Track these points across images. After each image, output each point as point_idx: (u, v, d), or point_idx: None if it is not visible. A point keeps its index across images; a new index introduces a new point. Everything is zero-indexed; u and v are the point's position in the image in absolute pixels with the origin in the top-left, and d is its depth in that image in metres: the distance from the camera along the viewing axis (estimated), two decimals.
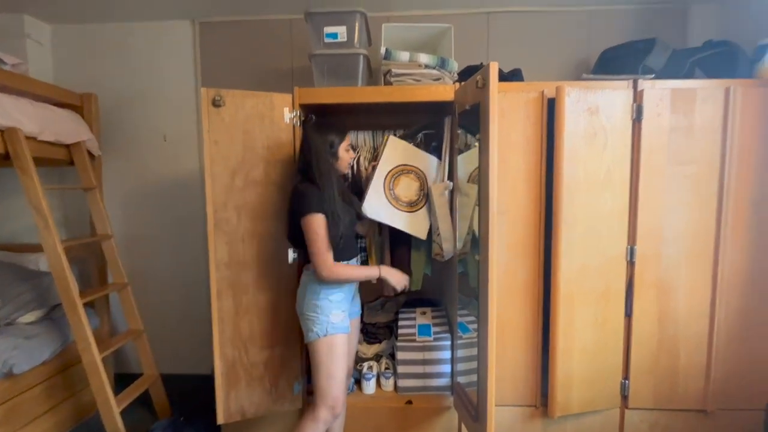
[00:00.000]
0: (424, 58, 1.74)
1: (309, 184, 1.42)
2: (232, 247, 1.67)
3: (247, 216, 1.68)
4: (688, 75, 1.78)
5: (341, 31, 1.72)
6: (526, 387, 1.80)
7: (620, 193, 1.71)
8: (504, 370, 1.79)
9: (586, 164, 1.66)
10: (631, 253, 1.72)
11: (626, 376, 1.79)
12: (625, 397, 1.80)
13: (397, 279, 1.57)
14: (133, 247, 2.49)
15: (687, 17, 2.26)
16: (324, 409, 1.45)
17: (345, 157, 1.53)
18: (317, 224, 1.38)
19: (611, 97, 1.66)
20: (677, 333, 1.76)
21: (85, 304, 1.79)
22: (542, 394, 1.80)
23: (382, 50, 1.74)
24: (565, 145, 1.63)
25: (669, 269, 1.73)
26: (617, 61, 1.93)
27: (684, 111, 1.67)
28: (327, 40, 1.74)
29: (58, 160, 2.01)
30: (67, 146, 2.01)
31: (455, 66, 1.79)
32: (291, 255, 1.73)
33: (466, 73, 1.90)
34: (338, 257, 1.46)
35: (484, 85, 1.31)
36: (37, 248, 2.11)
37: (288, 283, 1.75)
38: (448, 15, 2.28)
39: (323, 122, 1.52)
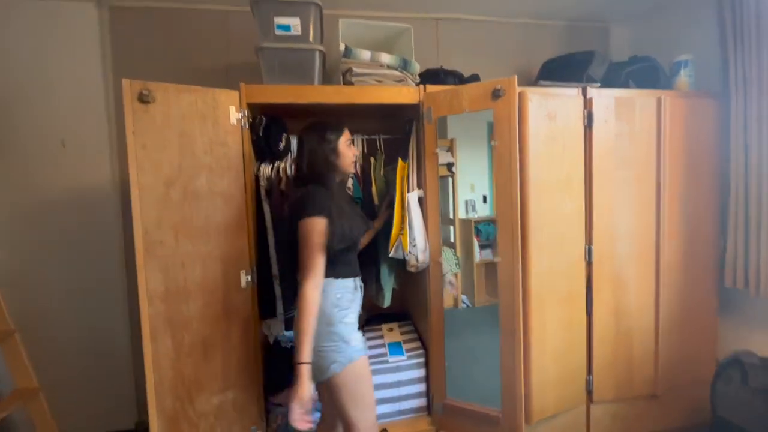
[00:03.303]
0: (386, 57, 1.64)
1: (312, 186, 1.26)
2: (169, 274, 1.37)
3: (188, 235, 1.40)
4: (624, 85, 1.94)
5: (294, 23, 1.54)
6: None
7: (577, 196, 1.77)
8: None
9: (548, 168, 1.69)
10: (589, 253, 1.79)
11: (590, 372, 1.84)
12: (589, 393, 1.85)
13: (295, 416, 1.16)
14: (19, 284, 1.95)
15: (609, 35, 2.50)
16: None
17: (347, 153, 1.35)
18: (316, 228, 1.20)
19: (567, 104, 1.72)
20: (630, 326, 1.87)
21: None
22: None
23: (342, 47, 1.59)
24: (530, 150, 1.63)
25: (621, 266, 1.83)
26: (561, 71, 2.02)
27: (626, 118, 1.80)
28: (278, 32, 1.54)
29: None
30: None
31: (417, 68, 1.71)
32: (244, 278, 1.48)
33: (425, 77, 1.84)
34: (337, 272, 1.29)
35: (505, 94, 1.37)
36: None
37: (241, 313, 1.49)
38: (398, 18, 2.22)
39: (316, 121, 1.35)
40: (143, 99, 1.30)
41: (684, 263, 1.90)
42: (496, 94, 1.44)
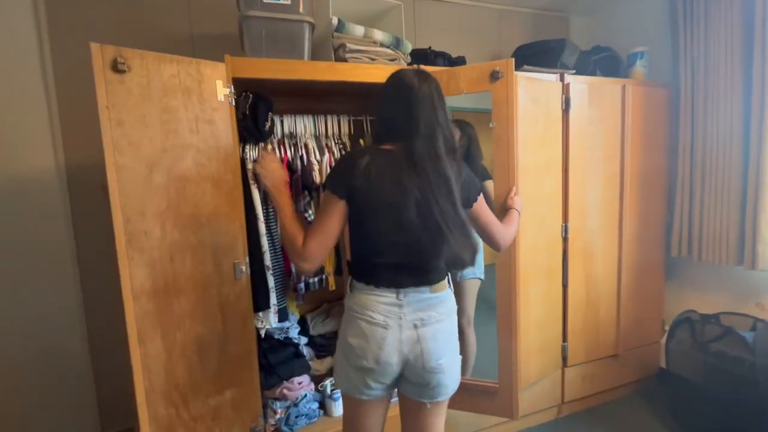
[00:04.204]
0: (379, 35, 1.58)
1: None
2: (157, 268, 1.22)
3: (176, 224, 1.25)
4: (592, 73, 2.07)
5: None
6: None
7: (556, 176, 1.88)
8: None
9: (532, 150, 1.77)
10: (565, 229, 1.93)
11: (565, 339, 2.01)
12: (564, 358, 2.02)
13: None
14: None
15: (568, 24, 2.65)
16: None
17: None
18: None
19: (548, 89, 1.81)
20: (598, 294, 2.06)
21: None
22: None
23: (334, 20, 1.50)
24: (518, 132, 1.69)
25: (591, 241, 2.00)
26: (535, 58, 2.10)
27: (596, 103, 1.93)
28: (266, 0, 1.40)
29: None
30: None
31: (409, 47, 1.67)
32: (239, 269, 1.37)
33: (414, 57, 1.81)
34: None
35: (504, 77, 1.39)
36: None
37: (237, 306, 1.38)
38: None
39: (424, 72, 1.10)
40: (118, 68, 1.12)
41: (639, 235, 2.12)
42: (494, 76, 1.46)
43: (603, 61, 2.18)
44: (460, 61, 1.91)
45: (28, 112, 1.68)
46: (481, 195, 1.13)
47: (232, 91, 1.37)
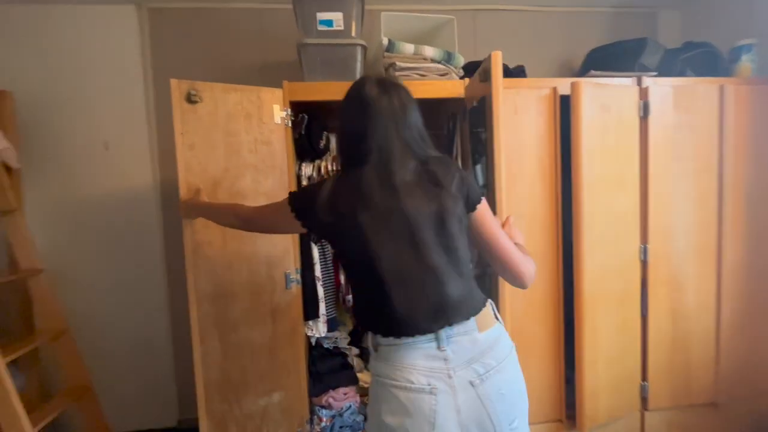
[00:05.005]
0: (429, 51, 1.59)
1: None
2: (217, 275, 1.36)
3: (234, 236, 1.38)
4: (681, 73, 1.82)
5: (337, 18, 1.50)
6: (551, 401, 1.69)
7: (632, 191, 1.67)
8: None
9: (601, 162, 1.60)
10: (645, 252, 1.70)
11: (644, 378, 1.75)
12: (644, 399, 1.76)
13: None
14: (63, 284, 1.98)
15: (657, 21, 2.36)
16: None
17: None
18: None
19: (621, 94, 1.63)
20: (688, 329, 1.76)
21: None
22: (567, 407, 1.70)
23: (385, 41, 1.55)
24: (583, 144, 1.55)
25: (678, 266, 1.73)
26: (609, 60, 1.92)
27: (684, 107, 1.68)
28: (320, 27, 1.51)
29: None
30: None
31: (461, 60, 1.65)
32: (290, 279, 1.46)
33: (468, 70, 1.77)
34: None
35: (487, 79, 1.18)
36: None
37: (287, 314, 1.47)
38: (434, 10, 2.15)
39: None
40: (191, 99, 1.29)
41: (747, 262, 1.77)
42: (483, 78, 1.27)
43: (696, 59, 1.89)
44: (518, 71, 1.82)
45: (135, 138, 2.01)
46: (483, 206, 0.88)
47: (289, 113, 1.48)
